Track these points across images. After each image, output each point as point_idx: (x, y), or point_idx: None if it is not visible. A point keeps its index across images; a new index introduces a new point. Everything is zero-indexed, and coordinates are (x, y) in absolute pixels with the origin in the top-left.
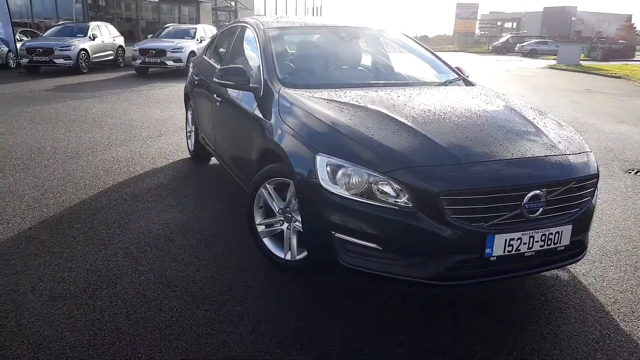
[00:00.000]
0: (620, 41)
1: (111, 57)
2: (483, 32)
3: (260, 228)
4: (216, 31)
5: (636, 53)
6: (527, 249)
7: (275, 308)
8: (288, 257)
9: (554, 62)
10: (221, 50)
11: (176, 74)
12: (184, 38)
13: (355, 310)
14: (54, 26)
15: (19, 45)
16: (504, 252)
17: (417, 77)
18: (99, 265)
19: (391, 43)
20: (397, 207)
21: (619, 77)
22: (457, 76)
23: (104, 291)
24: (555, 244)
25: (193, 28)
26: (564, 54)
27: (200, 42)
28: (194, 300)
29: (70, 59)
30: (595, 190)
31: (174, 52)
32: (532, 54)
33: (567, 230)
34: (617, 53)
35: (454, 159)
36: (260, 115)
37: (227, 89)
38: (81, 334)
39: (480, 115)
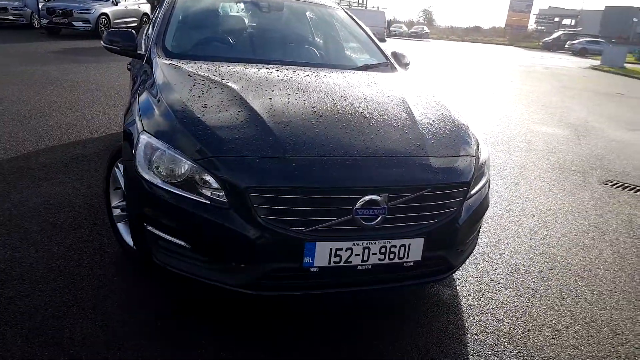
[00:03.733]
0: None
1: (135, 24)
2: (540, 27)
3: (116, 212)
4: None
5: None
6: (361, 261)
7: (68, 307)
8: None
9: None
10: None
11: None
12: None
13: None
14: None
15: (40, 5)
16: (330, 263)
17: (329, 59)
18: None
19: (322, 19)
20: (208, 202)
21: None
22: (385, 61)
23: None
24: (400, 258)
25: None
26: (608, 54)
27: None
28: (1, 285)
29: (89, 23)
30: (463, 201)
31: None
32: (582, 52)
33: (417, 244)
34: None
35: (278, 151)
36: (136, 86)
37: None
38: None
39: (353, 105)
